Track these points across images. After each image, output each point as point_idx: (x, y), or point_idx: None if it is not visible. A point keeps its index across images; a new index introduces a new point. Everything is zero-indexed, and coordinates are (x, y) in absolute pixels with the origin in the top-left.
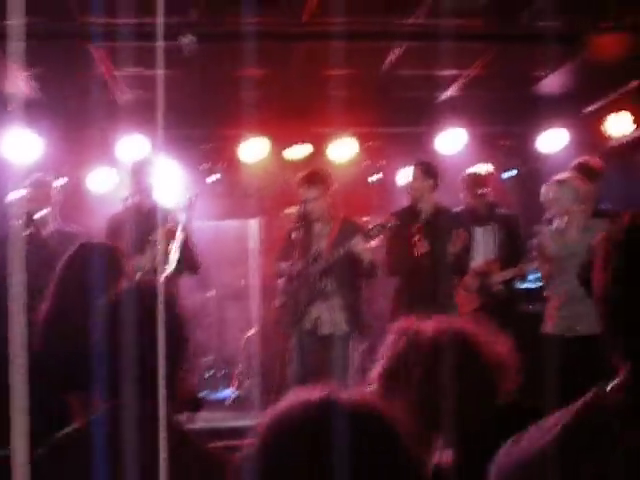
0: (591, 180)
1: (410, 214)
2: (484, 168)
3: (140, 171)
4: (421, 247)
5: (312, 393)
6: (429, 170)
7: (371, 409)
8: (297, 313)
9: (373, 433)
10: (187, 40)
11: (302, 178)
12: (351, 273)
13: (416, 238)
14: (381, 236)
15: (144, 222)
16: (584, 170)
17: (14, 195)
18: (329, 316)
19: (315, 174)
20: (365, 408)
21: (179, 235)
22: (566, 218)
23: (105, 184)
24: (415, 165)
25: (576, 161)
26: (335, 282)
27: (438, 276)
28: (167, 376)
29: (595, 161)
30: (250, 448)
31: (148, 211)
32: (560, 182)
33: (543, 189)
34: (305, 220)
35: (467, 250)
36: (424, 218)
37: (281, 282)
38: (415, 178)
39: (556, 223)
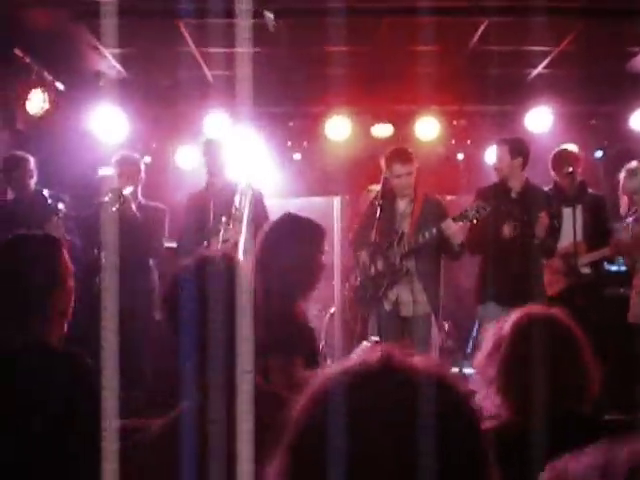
0: None
1: (499, 191)
2: (573, 147)
3: (210, 151)
4: (510, 230)
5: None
6: (517, 148)
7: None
8: (377, 294)
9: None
10: (270, 15)
11: (393, 154)
12: (435, 255)
13: (506, 223)
14: (464, 220)
15: (220, 200)
16: None
17: (104, 172)
18: (409, 297)
19: (406, 150)
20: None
21: (246, 216)
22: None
23: (192, 160)
24: (501, 143)
25: None
26: (417, 263)
27: (525, 258)
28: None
29: None
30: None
31: (220, 190)
32: (635, 169)
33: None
34: (388, 198)
35: (553, 232)
36: (514, 196)
37: (359, 259)
38: (502, 156)
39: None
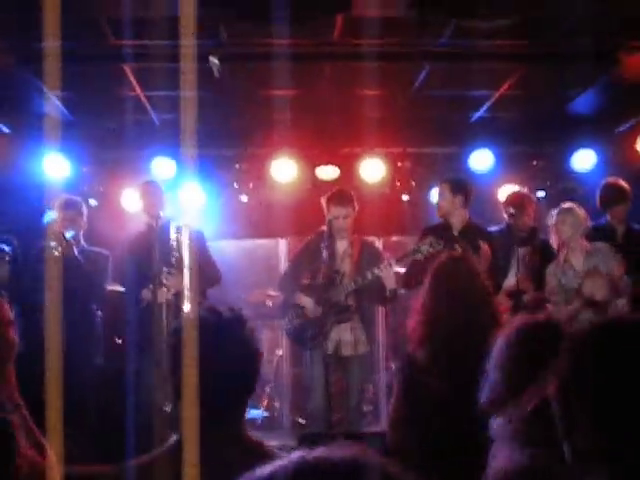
0: (619, 201)
1: (442, 229)
2: (525, 190)
3: (148, 193)
4: None
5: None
6: (458, 186)
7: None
8: (320, 333)
9: None
10: (215, 61)
11: (332, 196)
12: (373, 295)
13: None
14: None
15: (159, 242)
16: (612, 190)
17: (47, 216)
18: (351, 337)
19: (346, 192)
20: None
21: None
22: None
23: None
24: (443, 181)
25: (604, 181)
26: (358, 303)
27: None
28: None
29: (622, 182)
30: None
31: (160, 231)
32: (565, 211)
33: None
34: (329, 239)
35: (495, 268)
36: (456, 233)
37: (295, 300)
38: (443, 194)
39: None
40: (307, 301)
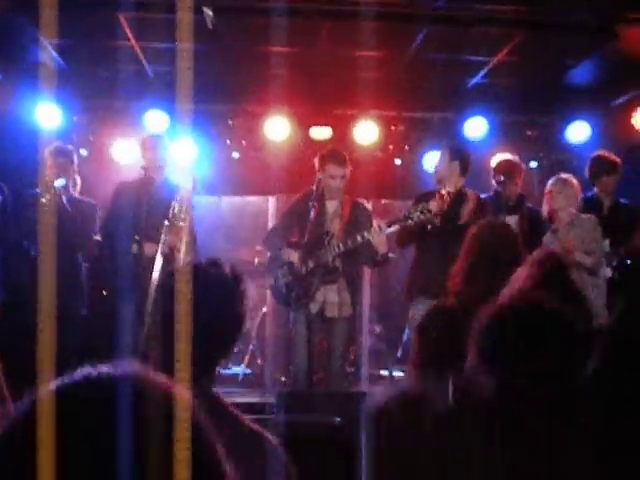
0: (607, 173)
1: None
2: (515, 158)
3: (151, 146)
4: (438, 203)
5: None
6: (456, 151)
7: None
8: (306, 294)
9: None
10: (209, 12)
11: (329, 154)
12: (361, 257)
13: (444, 197)
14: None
15: (158, 196)
16: (601, 162)
17: (37, 163)
18: (336, 298)
19: (341, 152)
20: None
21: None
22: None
23: (129, 155)
24: (443, 146)
25: (594, 154)
26: (344, 265)
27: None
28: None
29: (611, 155)
30: None
31: (160, 185)
32: (563, 182)
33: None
34: (319, 198)
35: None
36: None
37: (282, 257)
38: (441, 158)
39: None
40: (295, 256)
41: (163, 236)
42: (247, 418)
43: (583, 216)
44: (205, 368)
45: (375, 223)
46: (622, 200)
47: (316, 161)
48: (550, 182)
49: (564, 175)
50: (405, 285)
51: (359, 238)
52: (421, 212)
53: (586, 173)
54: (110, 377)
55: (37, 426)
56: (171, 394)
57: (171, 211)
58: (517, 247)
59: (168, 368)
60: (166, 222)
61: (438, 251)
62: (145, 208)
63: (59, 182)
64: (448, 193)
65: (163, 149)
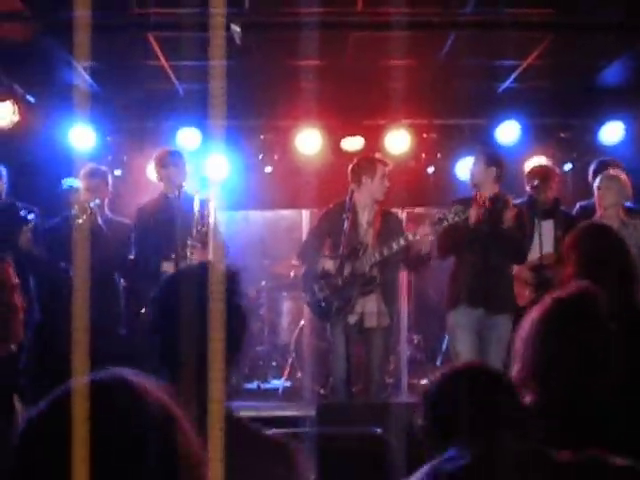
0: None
1: (472, 202)
2: (549, 162)
3: (176, 162)
4: (476, 213)
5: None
6: (492, 158)
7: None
8: (345, 306)
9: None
10: (237, 28)
11: (354, 165)
12: (396, 267)
13: (481, 200)
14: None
15: (180, 214)
16: (602, 167)
17: (68, 183)
18: (374, 308)
19: (365, 160)
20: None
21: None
22: (608, 212)
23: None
24: (479, 152)
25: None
26: (381, 274)
27: (496, 254)
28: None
29: (613, 160)
30: None
31: (178, 203)
32: (612, 178)
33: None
34: (352, 209)
35: (522, 231)
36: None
37: (319, 269)
38: (477, 165)
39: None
40: (331, 265)
41: (189, 254)
42: (267, 430)
43: (636, 219)
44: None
45: (406, 230)
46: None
47: (349, 172)
48: (599, 178)
49: (612, 171)
50: (447, 292)
51: (395, 246)
52: (455, 214)
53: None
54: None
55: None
56: (163, 401)
57: (195, 228)
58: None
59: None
60: (189, 241)
61: (481, 258)
62: (171, 227)
63: (94, 203)
64: (486, 198)
65: (183, 165)
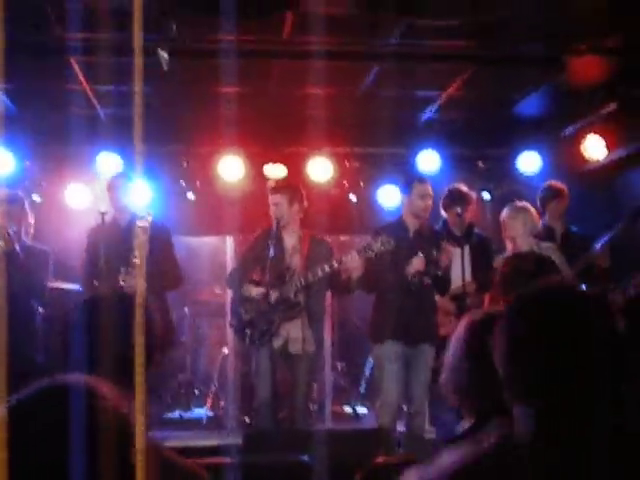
0: (554, 197)
1: (398, 229)
2: (464, 187)
3: (116, 187)
4: (418, 263)
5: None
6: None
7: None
8: (269, 330)
9: None
10: (164, 55)
11: (272, 185)
12: (323, 292)
13: (417, 256)
14: (369, 254)
15: (122, 238)
16: (549, 189)
17: None
18: (299, 334)
19: (285, 181)
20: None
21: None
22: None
23: (83, 200)
24: (425, 181)
25: (543, 184)
26: (307, 300)
27: (422, 294)
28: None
29: (558, 183)
30: None
31: (125, 227)
32: (518, 209)
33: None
34: (276, 235)
35: (448, 267)
36: (411, 235)
37: (245, 294)
38: (427, 194)
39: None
40: (256, 292)
41: (122, 282)
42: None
43: (543, 244)
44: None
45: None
46: (574, 228)
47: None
48: (505, 210)
49: (519, 203)
50: (371, 325)
51: (320, 272)
52: (381, 244)
53: (537, 202)
54: (63, 387)
55: None
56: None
57: (132, 255)
58: None
59: None
60: (122, 268)
61: (404, 295)
62: (107, 252)
63: (10, 229)
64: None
65: (127, 189)
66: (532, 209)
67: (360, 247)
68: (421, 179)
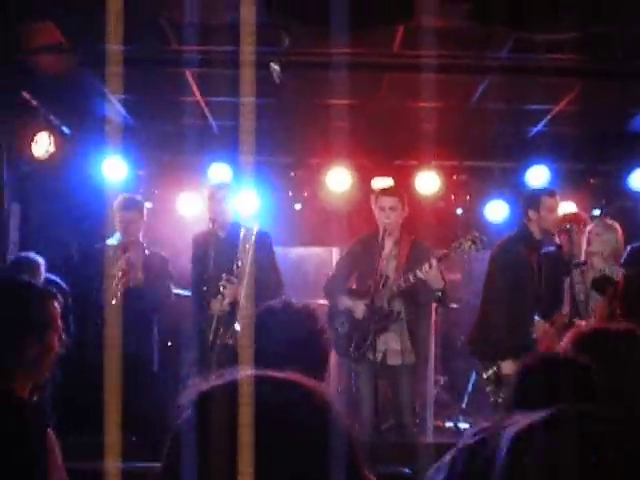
0: None
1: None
2: (578, 211)
3: (216, 196)
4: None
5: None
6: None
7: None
8: (365, 342)
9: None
10: (276, 67)
11: (380, 189)
12: (420, 300)
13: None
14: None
15: (221, 248)
16: None
17: (109, 218)
18: (398, 345)
19: (392, 186)
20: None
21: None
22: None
23: (194, 208)
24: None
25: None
26: (405, 308)
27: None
28: None
29: None
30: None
31: (225, 237)
32: (606, 225)
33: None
34: (374, 241)
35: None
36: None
37: (339, 305)
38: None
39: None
40: (350, 304)
41: (222, 289)
42: None
43: (615, 267)
44: None
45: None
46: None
47: (372, 200)
48: (593, 224)
49: (609, 220)
50: (473, 341)
51: (411, 277)
52: (472, 242)
53: None
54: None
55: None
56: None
57: (235, 264)
58: None
59: None
60: (224, 276)
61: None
62: (211, 262)
63: (131, 237)
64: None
65: (230, 199)
66: (619, 228)
67: (451, 247)
68: (551, 192)
